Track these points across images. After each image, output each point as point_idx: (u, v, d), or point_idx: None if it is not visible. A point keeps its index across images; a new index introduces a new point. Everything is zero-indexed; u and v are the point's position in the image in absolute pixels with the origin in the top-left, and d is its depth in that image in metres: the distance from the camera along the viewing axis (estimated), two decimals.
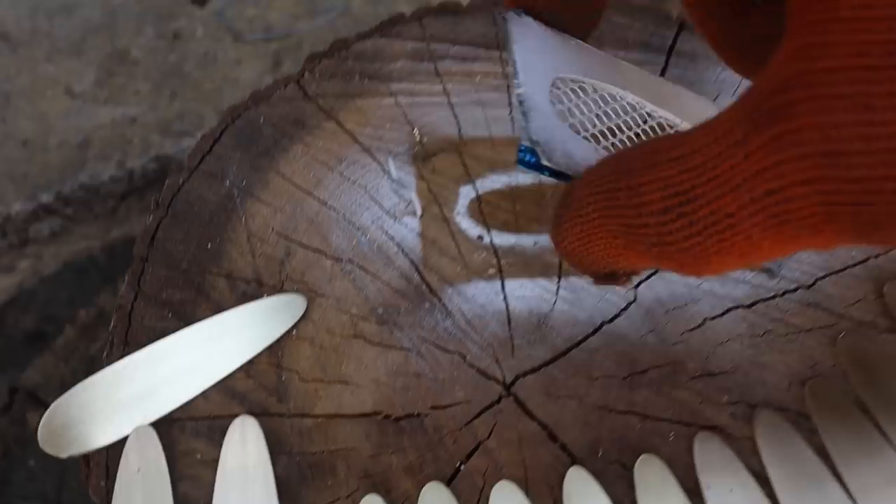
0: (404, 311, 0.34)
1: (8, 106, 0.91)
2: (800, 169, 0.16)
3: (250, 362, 0.33)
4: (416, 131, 0.37)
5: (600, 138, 0.26)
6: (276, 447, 0.31)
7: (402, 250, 0.35)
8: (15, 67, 0.94)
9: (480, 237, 0.35)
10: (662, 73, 0.38)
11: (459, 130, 0.37)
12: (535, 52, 0.26)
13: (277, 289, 0.34)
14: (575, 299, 0.34)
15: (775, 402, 0.32)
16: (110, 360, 0.33)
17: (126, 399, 0.32)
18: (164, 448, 0.31)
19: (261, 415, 0.32)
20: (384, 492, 0.31)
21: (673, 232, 0.18)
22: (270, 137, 0.37)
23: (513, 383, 0.33)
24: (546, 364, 0.33)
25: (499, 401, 0.32)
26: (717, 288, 0.34)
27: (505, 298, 0.34)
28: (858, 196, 0.15)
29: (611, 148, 0.26)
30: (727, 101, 0.37)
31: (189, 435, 0.32)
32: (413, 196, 0.36)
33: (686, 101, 0.29)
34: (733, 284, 0.34)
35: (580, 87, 0.27)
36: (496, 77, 0.38)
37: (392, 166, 0.36)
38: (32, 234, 0.84)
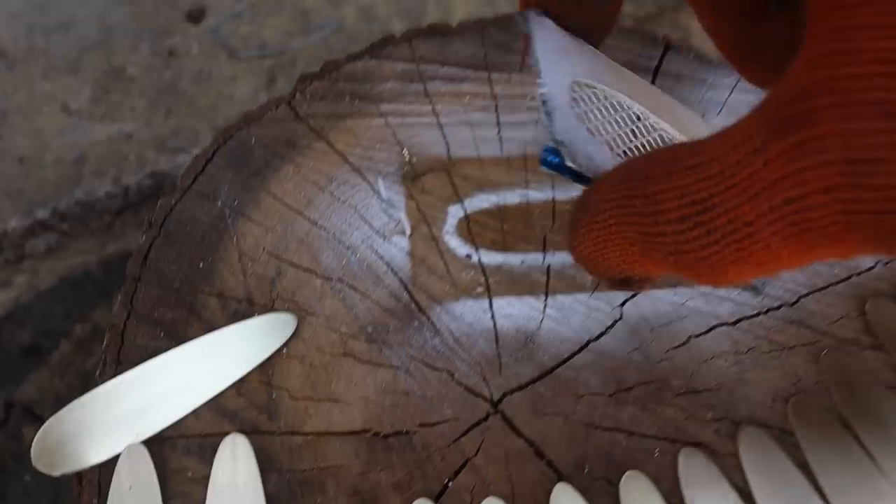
0: (393, 330, 0.34)
1: (4, 123, 0.92)
2: (822, 176, 0.15)
3: (241, 380, 0.33)
4: (405, 151, 0.37)
5: (612, 146, 0.26)
6: (267, 464, 0.32)
7: (392, 269, 0.35)
8: (11, 85, 0.94)
9: (469, 256, 0.35)
10: None
11: (448, 150, 0.37)
12: (556, 53, 0.26)
13: (268, 308, 0.35)
14: (562, 317, 0.34)
15: (759, 419, 0.32)
16: (103, 379, 0.33)
17: (118, 417, 0.32)
18: (155, 466, 0.32)
19: (251, 432, 0.32)
20: None
21: (690, 241, 0.18)
22: (262, 158, 0.37)
23: (500, 401, 0.33)
24: (533, 381, 0.33)
25: (486, 418, 0.33)
26: (701, 306, 0.34)
27: (493, 317, 0.34)
28: (881, 204, 0.15)
29: (622, 156, 0.26)
30: (713, 120, 0.38)
31: (180, 453, 0.32)
32: (402, 215, 0.36)
33: (680, 115, 0.30)
34: (718, 302, 0.34)
35: (594, 93, 0.27)
36: (485, 98, 0.38)
37: (382, 186, 0.37)
38: (29, 249, 0.84)
